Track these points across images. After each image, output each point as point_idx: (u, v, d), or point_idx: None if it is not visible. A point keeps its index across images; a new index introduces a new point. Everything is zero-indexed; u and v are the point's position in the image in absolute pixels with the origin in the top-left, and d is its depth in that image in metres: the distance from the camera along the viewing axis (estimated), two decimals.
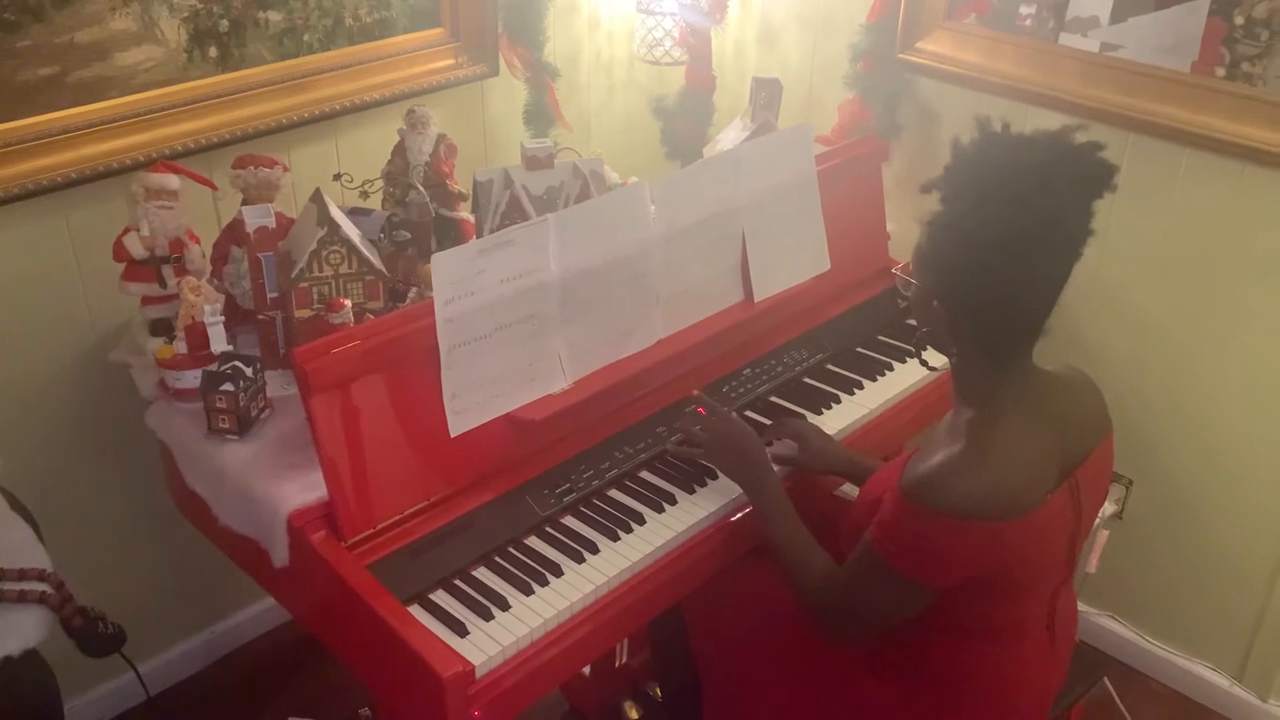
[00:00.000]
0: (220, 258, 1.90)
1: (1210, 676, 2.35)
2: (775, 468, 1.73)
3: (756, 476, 1.65)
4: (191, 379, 1.73)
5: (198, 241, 1.87)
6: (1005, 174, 1.33)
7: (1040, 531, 1.41)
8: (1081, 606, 2.42)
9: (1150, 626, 2.42)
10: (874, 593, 1.45)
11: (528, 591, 1.55)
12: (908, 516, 1.38)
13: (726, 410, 1.77)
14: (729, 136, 2.33)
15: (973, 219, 1.34)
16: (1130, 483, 2.33)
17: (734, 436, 1.69)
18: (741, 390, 1.95)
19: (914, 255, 1.45)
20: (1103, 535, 2.34)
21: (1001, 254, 1.33)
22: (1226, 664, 2.33)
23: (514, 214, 1.92)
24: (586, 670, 2.22)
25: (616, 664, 2.28)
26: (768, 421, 1.89)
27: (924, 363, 1.62)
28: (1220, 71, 2.00)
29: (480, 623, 1.49)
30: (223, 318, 1.73)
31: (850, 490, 2.03)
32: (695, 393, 1.81)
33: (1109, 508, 2.34)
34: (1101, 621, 2.47)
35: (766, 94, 2.28)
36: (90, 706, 2.21)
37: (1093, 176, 1.35)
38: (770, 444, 1.84)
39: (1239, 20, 1.95)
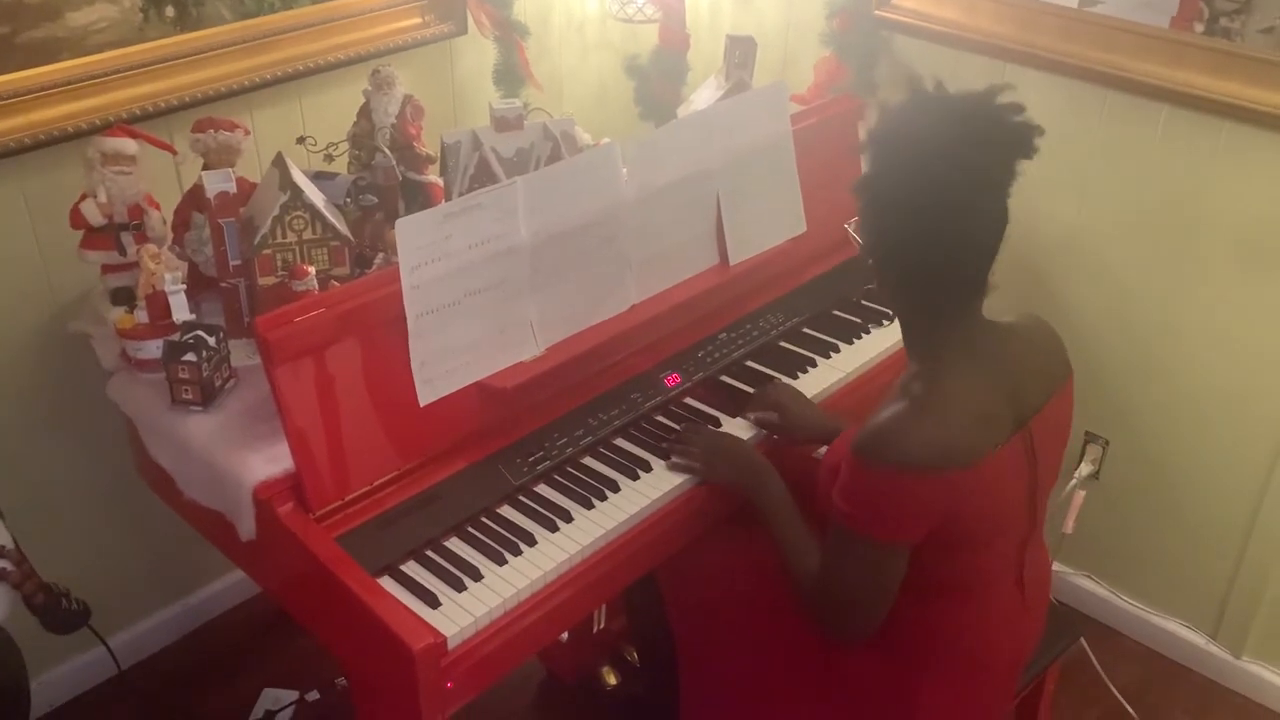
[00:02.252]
0: (181, 224, 1.86)
1: (1185, 634, 2.37)
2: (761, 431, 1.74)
3: (757, 482, 1.64)
4: (153, 349, 1.69)
5: (158, 208, 1.82)
6: (912, 142, 1.35)
7: (994, 482, 1.41)
8: (1057, 566, 2.43)
9: (1125, 586, 2.44)
10: (852, 566, 1.44)
11: (501, 561, 1.53)
12: (861, 475, 1.39)
13: (711, 429, 1.76)
14: (703, 96, 2.29)
15: (895, 180, 1.36)
16: (1107, 443, 2.33)
17: (726, 449, 1.69)
18: (717, 355, 1.93)
19: (858, 215, 1.47)
20: (1079, 495, 2.34)
21: (924, 214, 1.35)
22: (1201, 622, 2.35)
23: (483, 177, 1.88)
24: (564, 636, 2.21)
25: (594, 629, 2.27)
26: (748, 389, 1.87)
27: (882, 322, 1.62)
28: (1199, 27, 1.97)
29: (452, 594, 1.47)
30: (184, 286, 1.69)
31: None
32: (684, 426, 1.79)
33: (1086, 468, 2.35)
34: (1077, 581, 2.48)
35: (741, 52, 2.24)
36: (61, 681, 2.18)
37: (1010, 139, 1.35)
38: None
39: None
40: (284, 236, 1.67)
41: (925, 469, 1.34)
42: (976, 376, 1.41)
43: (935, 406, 1.38)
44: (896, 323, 2.04)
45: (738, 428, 1.81)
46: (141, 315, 1.70)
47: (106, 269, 1.82)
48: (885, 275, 1.45)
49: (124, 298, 1.79)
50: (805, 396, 1.85)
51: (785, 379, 1.91)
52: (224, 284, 1.75)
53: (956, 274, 1.39)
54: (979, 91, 1.36)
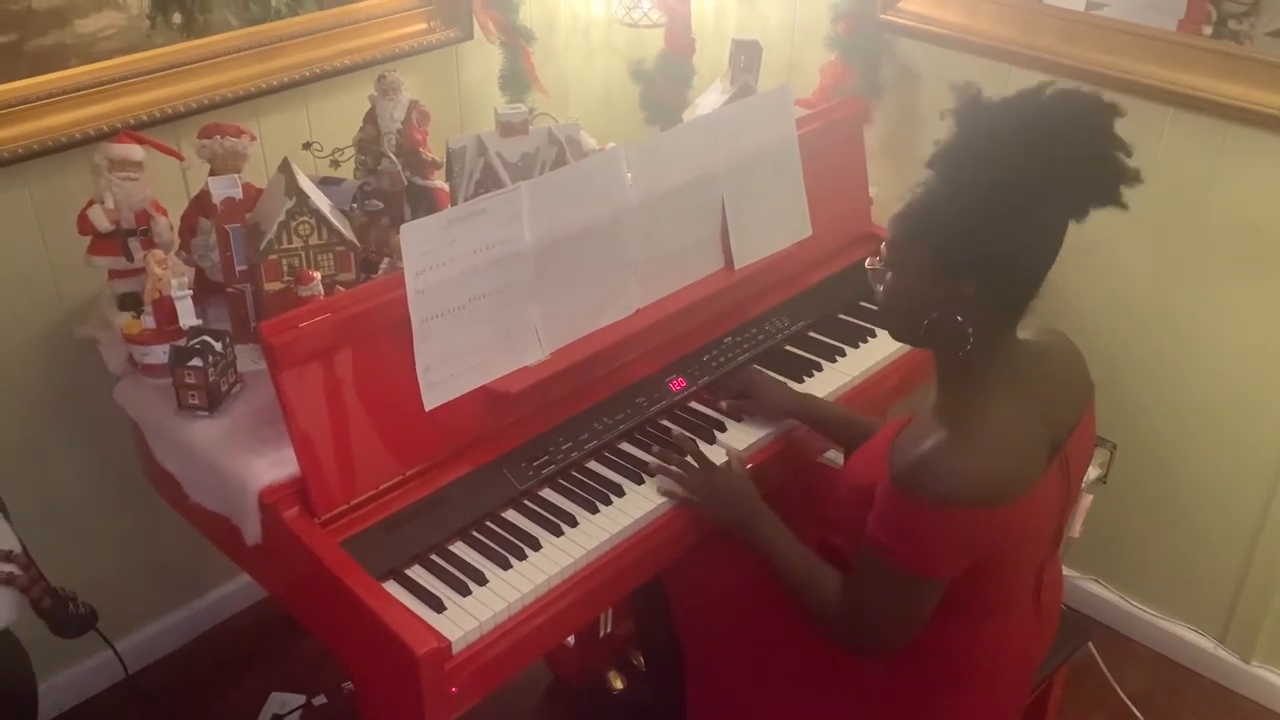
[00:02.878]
0: (188, 230, 1.86)
1: (1193, 638, 2.36)
2: (747, 445, 1.70)
3: (749, 515, 1.61)
4: (160, 354, 1.70)
5: (165, 213, 1.83)
6: (1017, 122, 1.29)
7: (1033, 511, 1.38)
8: (1065, 571, 2.41)
9: (1134, 589, 2.43)
10: (887, 596, 1.40)
11: (505, 566, 1.53)
12: (902, 507, 1.34)
13: (704, 457, 1.70)
14: (708, 100, 2.29)
15: (984, 178, 1.29)
16: (1115, 447, 2.32)
17: (719, 485, 1.65)
18: (722, 359, 1.93)
19: (902, 246, 1.38)
20: (1087, 499, 2.33)
21: (1019, 201, 1.28)
22: (1210, 626, 2.34)
23: (489, 182, 1.89)
24: (570, 640, 2.21)
25: (600, 634, 2.27)
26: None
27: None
28: (1207, 30, 1.97)
29: (457, 598, 1.47)
30: (191, 291, 1.69)
31: (835, 458, 2.02)
32: (674, 430, 1.76)
33: (1093, 472, 2.34)
34: (1085, 585, 2.47)
35: (746, 56, 2.24)
36: (68, 685, 2.19)
37: (1099, 112, 1.31)
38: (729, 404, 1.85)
39: None
40: (290, 242, 1.68)
41: (972, 505, 1.30)
42: (1017, 403, 1.37)
43: (980, 438, 1.33)
44: None
45: (744, 432, 1.80)
46: (148, 320, 1.71)
47: (113, 274, 1.82)
48: (945, 293, 1.36)
49: (131, 303, 1.79)
50: (774, 376, 1.86)
51: (791, 382, 1.91)
52: (230, 289, 1.75)
53: (1036, 266, 1.34)
54: (1038, 85, 1.32)
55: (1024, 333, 1.46)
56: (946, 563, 1.36)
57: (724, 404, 1.83)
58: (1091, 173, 1.31)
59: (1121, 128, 2.08)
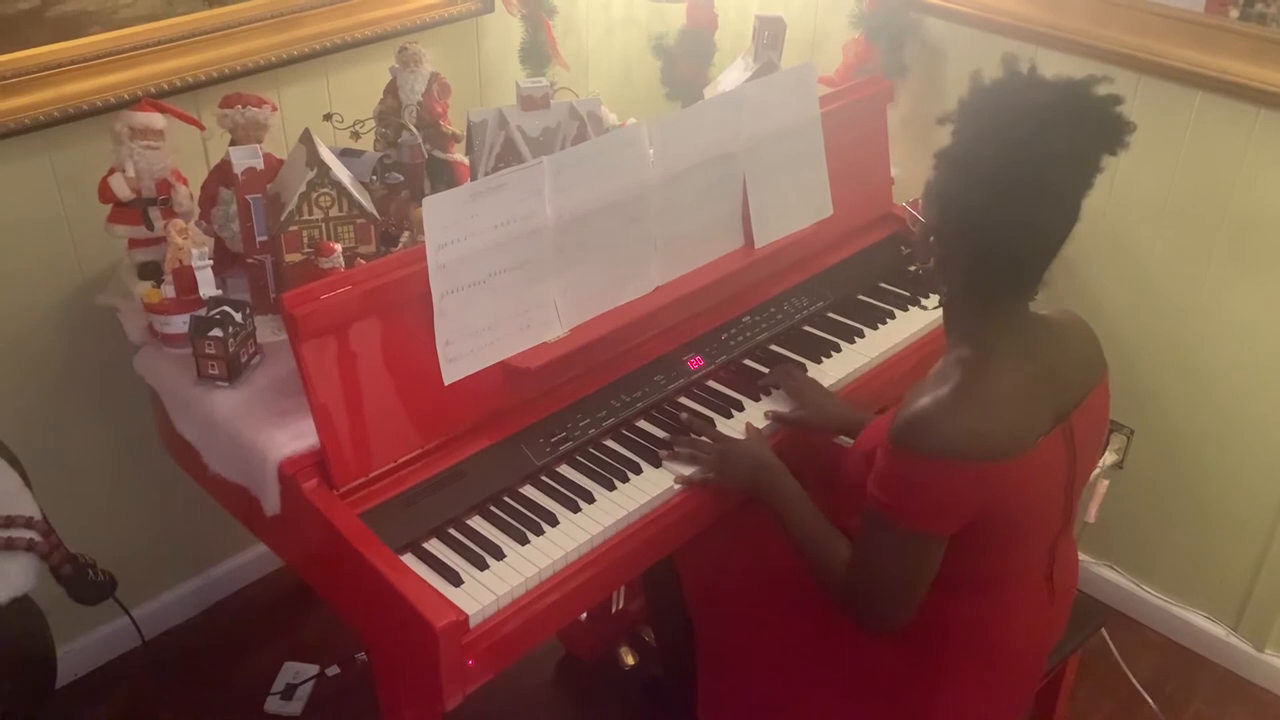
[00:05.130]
0: (208, 199, 1.86)
1: (1207, 626, 2.35)
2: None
3: (770, 482, 1.61)
4: (180, 324, 1.70)
5: (185, 183, 1.83)
6: (1013, 114, 1.31)
7: (1034, 475, 1.39)
8: (1079, 556, 2.41)
9: (1148, 576, 2.42)
10: (887, 557, 1.41)
11: (523, 541, 1.53)
12: (898, 463, 1.36)
13: (718, 433, 1.72)
14: (731, 76, 2.27)
15: (974, 155, 1.33)
16: (1131, 432, 2.31)
17: (733, 455, 1.66)
18: (741, 338, 1.92)
19: (924, 189, 1.44)
20: (1102, 485, 2.33)
21: (997, 194, 1.31)
22: (1223, 613, 2.33)
23: (509, 156, 1.88)
24: (583, 615, 2.22)
25: (613, 609, 2.28)
26: (766, 370, 1.87)
27: (922, 305, 1.57)
28: (1234, 12, 1.94)
29: (475, 572, 1.48)
30: (211, 261, 1.70)
31: (849, 440, 2.01)
32: (684, 416, 1.75)
33: (1110, 457, 2.33)
34: (1099, 571, 2.46)
35: (770, 32, 2.22)
36: (85, 651, 2.21)
37: (1104, 130, 1.32)
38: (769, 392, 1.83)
39: None
40: (310, 213, 1.68)
41: (965, 459, 1.32)
42: (1020, 366, 1.38)
43: (978, 395, 1.34)
44: (916, 310, 2.05)
45: (759, 410, 1.80)
46: (168, 290, 1.71)
47: (134, 243, 1.83)
48: (947, 253, 1.41)
49: (151, 272, 1.79)
50: (822, 385, 1.83)
51: (809, 364, 1.90)
52: (250, 260, 1.75)
53: (1022, 260, 1.36)
54: (1078, 78, 1.33)
55: (1041, 310, 1.47)
56: (941, 517, 1.37)
57: (769, 414, 1.78)
58: (1076, 180, 1.33)
59: (1150, 110, 2.07)
